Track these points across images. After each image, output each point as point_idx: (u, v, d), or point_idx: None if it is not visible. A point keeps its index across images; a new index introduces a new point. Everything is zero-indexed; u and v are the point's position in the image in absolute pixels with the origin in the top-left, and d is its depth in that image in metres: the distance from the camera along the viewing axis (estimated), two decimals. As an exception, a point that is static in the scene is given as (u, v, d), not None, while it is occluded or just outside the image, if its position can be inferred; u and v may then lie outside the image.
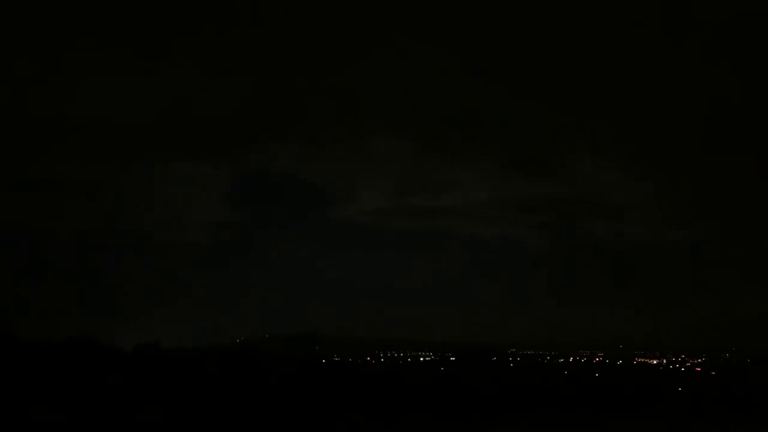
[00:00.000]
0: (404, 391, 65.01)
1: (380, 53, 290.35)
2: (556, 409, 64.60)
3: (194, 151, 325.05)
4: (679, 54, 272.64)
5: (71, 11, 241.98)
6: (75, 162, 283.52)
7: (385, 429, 54.81)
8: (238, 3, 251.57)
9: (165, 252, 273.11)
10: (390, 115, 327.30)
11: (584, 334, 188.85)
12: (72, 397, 44.65)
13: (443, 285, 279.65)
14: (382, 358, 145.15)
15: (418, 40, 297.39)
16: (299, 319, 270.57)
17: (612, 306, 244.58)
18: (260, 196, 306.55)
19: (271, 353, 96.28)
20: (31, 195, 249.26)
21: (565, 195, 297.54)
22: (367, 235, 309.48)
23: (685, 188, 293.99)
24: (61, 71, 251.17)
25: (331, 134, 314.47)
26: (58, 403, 43.70)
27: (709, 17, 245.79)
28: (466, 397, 65.35)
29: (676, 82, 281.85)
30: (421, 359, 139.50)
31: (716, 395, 77.15)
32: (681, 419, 62.68)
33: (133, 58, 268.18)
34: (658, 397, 75.78)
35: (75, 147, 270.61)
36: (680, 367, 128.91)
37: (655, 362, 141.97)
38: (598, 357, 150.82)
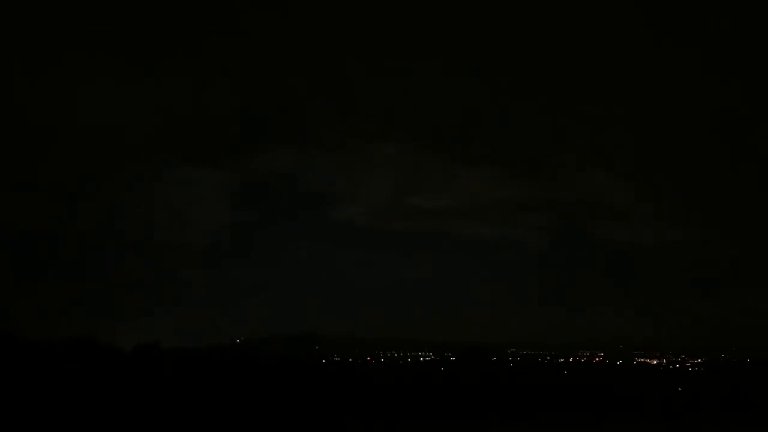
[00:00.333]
0: (404, 391, 64.99)
1: (380, 53, 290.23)
2: (556, 409, 64.63)
3: (194, 153, 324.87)
4: (679, 55, 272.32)
5: (70, 13, 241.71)
6: (75, 164, 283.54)
7: (385, 429, 54.84)
8: (238, 3, 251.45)
9: (165, 252, 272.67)
10: (390, 115, 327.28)
11: (584, 334, 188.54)
12: (72, 397, 44.67)
13: (443, 285, 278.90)
14: (382, 358, 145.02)
15: (418, 40, 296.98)
16: (299, 319, 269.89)
17: (612, 306, 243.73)
18: (260, 197, 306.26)
19: (271, 353, 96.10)
20: (32, 195, 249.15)
21: (565, 196, 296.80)
22: (367, 236, 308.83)
23: (685, 189, 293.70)
24: (59, 75, 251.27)
25: (330, 135, 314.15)
26: (58, 403, 43.72)
27: (710, 24, 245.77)
28: (466, 398, 65.32)
29: (676, 82, 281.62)
30: (421, 359, 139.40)
31: (716, 395, 77.13)
32: (681, 419, 62.72)
33: (133, 59, 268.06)
34: (658, 397, 75.76)
35: (76, 149, 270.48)
36: (680, 367, 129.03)
37: (655, 362, 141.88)
38: (598, 357, 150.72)
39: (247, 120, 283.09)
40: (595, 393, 73.64)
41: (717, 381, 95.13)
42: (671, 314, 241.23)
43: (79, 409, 44.00)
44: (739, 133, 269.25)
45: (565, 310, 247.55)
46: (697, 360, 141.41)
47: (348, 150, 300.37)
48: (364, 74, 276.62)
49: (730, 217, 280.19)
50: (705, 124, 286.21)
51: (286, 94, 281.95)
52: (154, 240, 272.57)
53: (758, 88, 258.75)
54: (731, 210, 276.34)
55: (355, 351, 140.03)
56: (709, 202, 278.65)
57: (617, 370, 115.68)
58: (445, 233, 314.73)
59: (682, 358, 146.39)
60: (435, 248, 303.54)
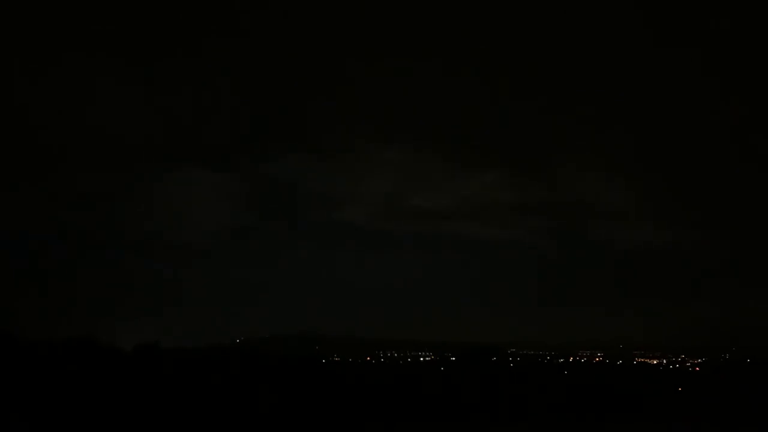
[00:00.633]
0: (404, 391, 64.99)
1: (380, 53, 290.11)
2: (556, 409, 64.63)
3: (194, 154, 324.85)
4: (679, 55, 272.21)
5: (70, 13, 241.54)
6: (76, 164, 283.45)
7: (385, 429, 54.87)
8: (238, 3, 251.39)
9: (165, 252, 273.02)
10: (390, 115, 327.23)
11: (584, 334, 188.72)
12: (72, 397, 44.67)
13: (443, 285, 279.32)
14: (382, 358, 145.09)
15: (418, 40, 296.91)
16: (299, 319, 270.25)
17: (612, 306, 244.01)
18: (260, 197, 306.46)
19: (271, 353, 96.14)
20: (32, 195, 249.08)
21: (565, 196, 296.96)
22: (368, 236, 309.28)
23: (685, 190, 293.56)
24: (59, 75, 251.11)
25: (331, 135, 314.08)
26: (58, 403, 43.73)
27: (710, 23, 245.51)
28: (466, 398, 65.33)
29: (676, 82, 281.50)
30: (421, 359, 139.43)
31: (716, 395, 77.12)
32: (681, 419, 62.73)
33: (133, 59, 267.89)
34: (658, 397, 75.76)
35: (76, 149, 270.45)
36: (680, 367, 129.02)
37: (655, 362, 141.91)
38: (598, 357, 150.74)
39: (247, 120, 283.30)
40: (595, 393, 73.63)
41: (717, 381, 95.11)
42: (671, 314, 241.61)
43: (79, 409, 44.01)
44: (739, 133, 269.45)
45: (565, 310, 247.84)
46: (697, 360, 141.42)
47: (348, 151, 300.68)
48: (364, 74, 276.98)
49: (731, 217, 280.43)
50: (705, 124, 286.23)
51: (286, 94, 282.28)
52: (154, 240, 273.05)
53: (758, 88, 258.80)
54: (731, 210, 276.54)
55: (355, 351, 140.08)
56: (709, 202, 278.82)
57: (617, 370, 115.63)
58: (445, 234, 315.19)
59: (682, 358, 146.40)
60: (435, 248, 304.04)
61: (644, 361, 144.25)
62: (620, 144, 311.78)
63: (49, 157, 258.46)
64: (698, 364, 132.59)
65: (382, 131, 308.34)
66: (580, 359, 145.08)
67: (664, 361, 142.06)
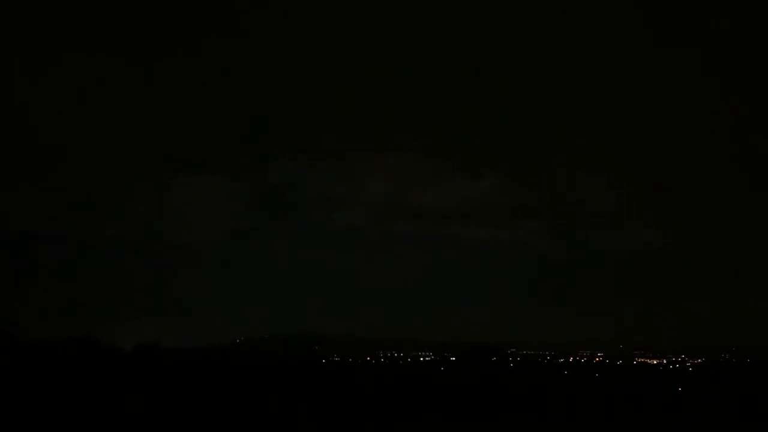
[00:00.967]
0: (404, 391, 64.98)
1: (380, 53, 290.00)
2: (555, 409, 64.62)
3: (193, 155, 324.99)
4: (679, 55, 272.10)
5: (70, 13, 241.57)
6: (75, 165, 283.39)
7: (385, 429, 54.85)
8: (238, 3, 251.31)
9: (165, 253, 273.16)
10: (390, 115, 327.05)
11: (584, 334, 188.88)
12: (72, 397, 44.66)
13: (443, 285, 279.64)
14: (382, 358, 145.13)
15: (418, 40, 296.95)
16: (299, 319, 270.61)
17: (612, 306, 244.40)
18: (260, 198, 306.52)
19: (271, 353, 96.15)
20: (32, 196, 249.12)
21: (565, 197, 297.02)
22: (368, 237, 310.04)
23: (686, 190, 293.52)
24: (59, 75, 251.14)
25: (331, 136, 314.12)
26: (58, 403, 43.72)
27: (710, 24, 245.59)
28: (465, 398, 65.32)
29: (676, 82, 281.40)
30: (421, 359, 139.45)
31: (716, 395, 77.11)
32: (681, 419, 62.73)
33: (133, 59, 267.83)
34: (658, 397, 75.74)
35: (75, 149, 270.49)
36: (680, 367, 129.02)
37: (655, 362, 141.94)
38: (598, 357, 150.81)
39: (247, 120, 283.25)
40: (595, 393, 73.62)
41: (717, 381, 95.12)
42: (671, 314, 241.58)
43: (79, 408, 44.00)
44: (738, 133, 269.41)
45: (565, 310, 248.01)
46: (697, 360, 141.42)
47: (348, 152, 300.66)
48: (364, 74, 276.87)
49: (731, 218, 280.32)
50: (705, 124, 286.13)
51: (286, 94, 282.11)
52: (154, 240, 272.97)
53: (758, 88, 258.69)
54: (732, 211, 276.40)
55: (355, 351, 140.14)
56: (710, 202, 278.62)
57: (617, 370, 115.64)
58: (445, 234, 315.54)
59: (682, 358, 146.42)
60: (435, 249, 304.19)
61: (644, 361, 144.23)
62: (620, 144, 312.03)
63: (49, 157, 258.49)
64: (698, 364, 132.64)
65: (382, 132, 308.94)
66: (580, 359, 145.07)
67: (664, 361, 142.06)
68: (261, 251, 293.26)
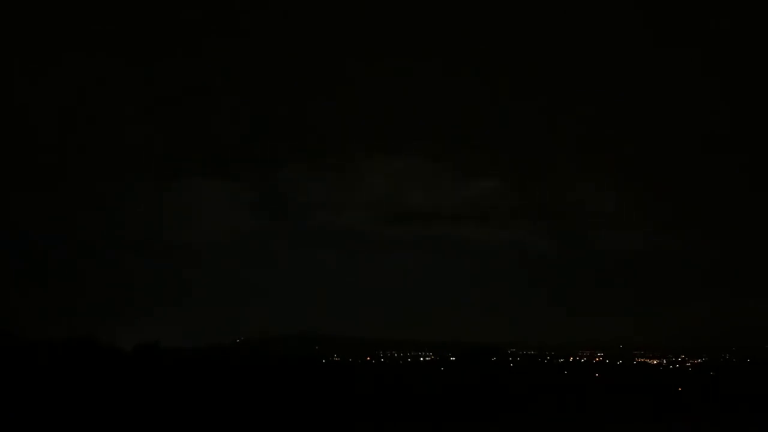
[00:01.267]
0: (404, 391, 65.00)
1: (380, 53, 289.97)
2: (556, 410, 64.62)
3: (193, 155, 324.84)
4: (679, 55, 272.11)
5: (70, 13, 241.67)
6: (75, 164, 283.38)
7: (385, 429, 54.82)
8: (238, 3, 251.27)
9: (165, 253, 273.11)
10: (390, 116, 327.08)
11: (584, 334, 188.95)
12: (72, 397, 44.67)
13: (443, 285, 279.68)
14: (382, 358, 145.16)
15: (418, 40, 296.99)
16: (299, 319, 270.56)
17: (612, 306, 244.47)
18: (260, 199, 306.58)
19: (271, 353, 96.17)
20: (32, 196, 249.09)
21: (565, 197, 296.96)
22: (368, 237, 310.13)
23: (686, 191, 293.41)
24: (59, 75, 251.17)
25: (331, 136, 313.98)
26: (58, 403, 43.73)
27: (710, 24, 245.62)
28: (466, 398, 65.33)
29: (676, 82, 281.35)
30: (421, 359, 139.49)
31: (716, 395, 77.15)
32: (681, 419, 62.71)
33: (133, 59, 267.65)
34: (658, 397, 75.75)
35: (74, 149, 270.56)
36: (680, 367, 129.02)
37: (655, 362, 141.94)
38: (598, 357, 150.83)
39: (247, 120, 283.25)
40: (595, 393, 73.63)
41: (717, 381, 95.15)
42: (671, 314, 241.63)
43: (79, 408, 44.01)
44: (739, 134, 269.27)
45: (565, 310, 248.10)
46: (697, 360, 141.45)
47: (349, 152, 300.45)
48: (364, 74, 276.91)
49: (731, 218, 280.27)
50: (705, 125, 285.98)
51: (286, 94, 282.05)
52: (154, 241, 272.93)
53: (758, 88, 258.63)
54: (732, 211, 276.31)
55: (355, 351, 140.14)
56: (710, 202, 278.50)
57: (617, 370, 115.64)
58: (445, 235, 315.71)
59: (682, 358, 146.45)
60: (435, 249, 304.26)
61: (644, 361, 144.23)
62: (620, 144, 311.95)
63: (49, 157, 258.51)
64: (698, 365, 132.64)
65: (382, 132, 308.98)
66: (580, 359, 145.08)
67: (664, 361, 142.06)
68: (261, 251, 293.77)
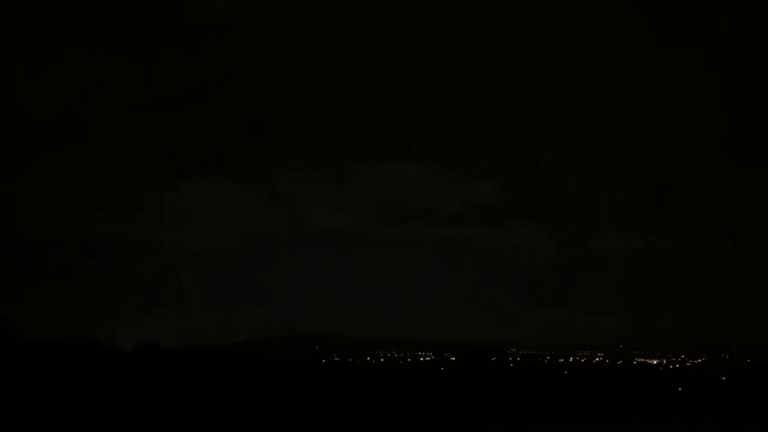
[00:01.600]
0: (404, 391, 64.99)
1: (380, 53, 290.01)
2: (555, 409, 64.63)
3: (193, 156, 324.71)
4: (679, 55, 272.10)
5: (70, 13, 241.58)
6: (75, 165, 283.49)
7: (385, 429, 54.85)
8: (238, 3, 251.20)
9: (165, 253, 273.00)
10: (390, 116, 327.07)
11: (584, 334, 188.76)
12: (72, 397, 44.68)
13: (444, 285, 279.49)
14: (382, 358, 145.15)
15: (418, 40, 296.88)
16: (299, 319, 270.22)
17: (612, 306, 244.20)
18: (260, 199, 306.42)
19: (271, 353, 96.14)
20: (32, 196, 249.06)
21: (566, 198, 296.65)
22: (368, 238, 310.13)
23: (686, 191, 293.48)
24: (59, 75, 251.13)
25: (331, 137, 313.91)
26: (58, 403, 43.73)
27: (710, 24, 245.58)
28: (466, 398, 65.33)
29: (676, 82, 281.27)
30: (421, 359, 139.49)
31: (716, 395, 77.15)
32: (682, 419, 62.72)
33: (133, 59, 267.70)
34: (659, 397, 75.77)
35: (74, 149, 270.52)
36: (680, 367, 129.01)
37: (655, 362, 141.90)
38: (598, 357, 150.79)
39: (247, 121, 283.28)
40: (595, 393, 73.62)
41: (717, 381, 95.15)
42: (671, 314, 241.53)
43: (79, 408, 44.01)
44: (739, 134, 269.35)
45: (565, 310, 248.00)
46: (697, 360, 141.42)
47: (349, 153, 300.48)
48: (364, 74, 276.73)
49: (732, 218, 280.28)
50: (705, 125, 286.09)
51: (286, 94, 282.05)
52: (154, 241, 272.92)
53: (758, 88, 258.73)
54: (732, 211, 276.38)
55: (355, 351, 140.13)
56: (710, 202, 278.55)
57: (617, 370, 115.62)
58: (445, 235, 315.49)
59: (682, 358, 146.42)
60: (435, 249, 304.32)
61: (644, 361, 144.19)
62: (620, 144, 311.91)
63: (49, 157, 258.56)
64: (698, 364, 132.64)
65: (382, 132, 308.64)
66: (580, 359, 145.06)
67: (664, 361, 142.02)
68: (261, 251, 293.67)
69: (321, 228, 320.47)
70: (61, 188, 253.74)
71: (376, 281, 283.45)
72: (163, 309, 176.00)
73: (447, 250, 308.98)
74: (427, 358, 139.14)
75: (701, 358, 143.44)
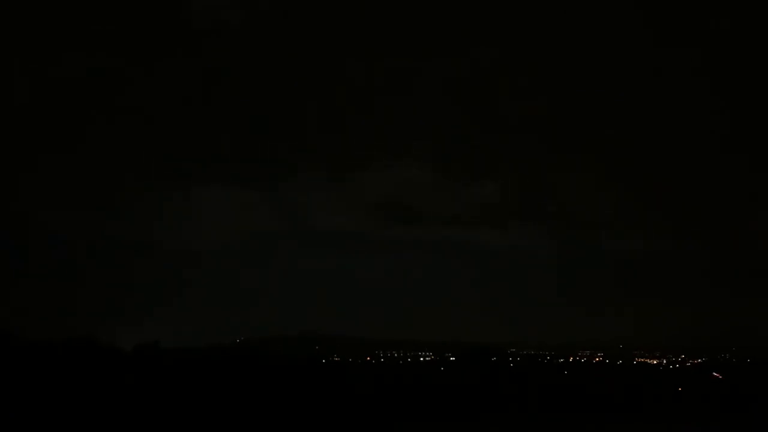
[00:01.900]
0: (404, 391, 65.00)
1: (380, 53, 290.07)
2: (555, 409, 64.63)
3: (193, 156, 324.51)
4: (679, 55, 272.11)
5: (70, 13, 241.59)
6: (75, 166, 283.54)
7: (385, 429, 54.87)
8: (239, 3, 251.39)
9: (166, 253, 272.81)
10: (390, 117, 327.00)
11: (584, 334, 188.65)
12: (72, 397, 44.67)
13: (443, 285, 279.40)
14: (382, 358, 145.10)
15: (418, 40, 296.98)
16: (299, 319, 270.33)
17: (612, 306, 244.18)
18: (261, 199, 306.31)
19: (271, 353, 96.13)
20: (32, 196, 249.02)
21: (566, 198, 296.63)
22: (368, 238, 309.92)
23: (686, 191, 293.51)
24: (59, 75, 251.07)
25: (331, 137, 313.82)
26: (58, 403, 43.73)
27: (710, 24, 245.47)
28: (466, 398, 65.33)
29: (676, 82, 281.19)
30: (421, 359, 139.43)
31: (716, 395, 77.16)
32: (681, 419, 62.73)
33: (133, 59, 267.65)
34: (659, 397, 75.78)
35: (73, 149, 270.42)
36: (680, 367, 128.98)
37: (655, 362, 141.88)
38: (598, 357, 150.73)
39: (247, 121, 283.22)
40: (595, 393, 73.63)
41: (717, 381, 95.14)
42: (671, 314, 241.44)
43: (79, 408, 44.01)
44: (739, 135, 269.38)
45: (565, 310, 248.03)
46: (697, 360, 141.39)
47: (348, 153, 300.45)
48: (364, 74, 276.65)
49: (732, 218, 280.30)
50: (705, 125, 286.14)
51: (286, 94, 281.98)
52: (154, 241, 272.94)
53: (758, 88, 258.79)
54: (732, 211, 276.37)
55: (355, 351, 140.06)
56: (711, 202, 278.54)
57: (617, 370, 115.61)
58: (445, 235, 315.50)
59: (682, 358, 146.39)
60: (435, 250, 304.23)
61: (644, 361, 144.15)
62: (620, 144, 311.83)
63: (48, 157, 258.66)
64: (698, 364, 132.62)
65: (381, 132, 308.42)
66: (580, 359, 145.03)
67: (664, 361, 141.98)
68: (261, 251, 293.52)
69: (321, 228, 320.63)
70: (61, 188, 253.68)
71: (376, 281, 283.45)
72: (163, 309, 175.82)
73: (447, 251, 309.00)
74: (427, 358, 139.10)
75: (701, 358, 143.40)
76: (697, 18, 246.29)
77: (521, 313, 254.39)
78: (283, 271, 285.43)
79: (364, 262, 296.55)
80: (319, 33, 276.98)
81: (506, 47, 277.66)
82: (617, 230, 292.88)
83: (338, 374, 73.15)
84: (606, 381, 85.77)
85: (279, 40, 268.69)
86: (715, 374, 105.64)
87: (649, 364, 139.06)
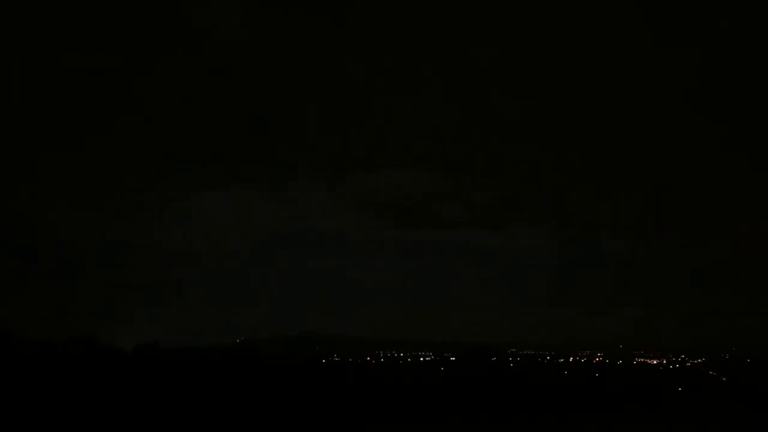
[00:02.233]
0: (404, 391, 65.03)
1: (380, 53, 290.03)
2: (555, 409, 64.64)
3: (192, 156, 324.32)
4: (679, 55, 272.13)
5: (70, 13, 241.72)
6: (75, 166, 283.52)
7: (385, 429, 54.87)
8: (239, 3, 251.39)
9: (165, 253, 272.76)
10: (390, 117, 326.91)
11: (584, 334, 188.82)
12: (72, 397, 44.69)
13: (443, 286, 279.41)
14: (382, 358, 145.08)
15: (418, 40, 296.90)
16: (299, 319, 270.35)
17: (612, 306, 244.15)
18: (261, 199, 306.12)
19: (271, 353, 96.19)
20: (32, 196, 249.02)
21: (566, 198, 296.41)
22: (369, 239, 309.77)
23: (686, 192, 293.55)
24: (59, 75, 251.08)
25: (331, 137, 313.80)
26: (58, 403, 43.74)
27: (710, 24, 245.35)
28: (466, 398, 65.34)
29: (675, 87, 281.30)
30: (421, 359, 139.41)
31: (716, 395, 77.17)
32: (681, 419, 62.75)
33: (133, 59, 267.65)
34: (658, 397, 75.80)
35: (77, 153, 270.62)
36: (680, 367, 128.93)
37: (655, 362, 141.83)
38: (598, 357, 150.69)
39: (247, 121, 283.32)
40: (595, 393, 73.65)
41: (717, 381, 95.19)
42: (671, 314, 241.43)
43: (79, 408, 44.02)
44: (739, 135, 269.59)
45: (565, 310, 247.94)
46: (697, 360, 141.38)
47: (349, 153, 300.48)
48: (364, 74, 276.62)
49: (732, 217, 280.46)
50: (705, 125, 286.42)
51: (286, 94, 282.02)
52: (154, 241, 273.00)
53: (758, 88, 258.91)
54: (733, 211, 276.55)
55: (355, 351, 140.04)
56: (711, 202, 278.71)
57: (617, 370, 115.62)
58: (445, 236, 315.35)
59: (682, 358, 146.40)
60: (436, 250, 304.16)
61: (644, 361, 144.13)
62: (621, 144, 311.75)
63: (49, 157, 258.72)
64: (698, 364, 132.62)
65: (382, 132, 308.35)
66: (580, 359, 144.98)
67: (664, 361, 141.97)
68: (261, 251, 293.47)
69: (321, 228, 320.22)
70: (61, 188, 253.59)
71: (376, 281, 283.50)
72: (163, 309, 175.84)
73: (447, 251, 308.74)
74: (427, 358, 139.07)
75: (701, 358, 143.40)
76: (697, 18, 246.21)
77: (521, 313, 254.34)
78: (283, 271, 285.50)
79: (364, 262, 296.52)
80: (319, 33, 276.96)
81: (506, 47, 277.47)
82: (617, 230, 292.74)
83: (338, 374, 73.22)
84: (606, 381, 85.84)
85: (279, 40, 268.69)
86: (711, 372, 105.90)
87: (649, 364, 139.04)
